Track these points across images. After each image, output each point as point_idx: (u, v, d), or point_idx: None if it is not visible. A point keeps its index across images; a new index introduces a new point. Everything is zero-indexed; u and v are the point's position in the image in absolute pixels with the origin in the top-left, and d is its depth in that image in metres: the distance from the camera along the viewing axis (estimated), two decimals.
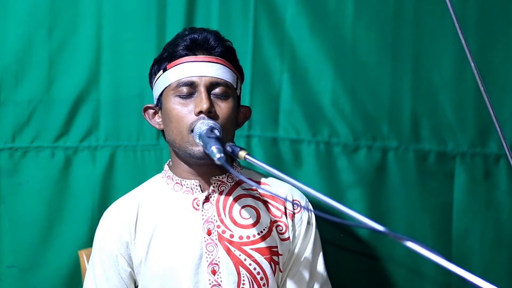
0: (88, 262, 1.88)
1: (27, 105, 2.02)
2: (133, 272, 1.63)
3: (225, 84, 1.58)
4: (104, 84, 2.07)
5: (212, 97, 1.57)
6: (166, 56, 1.61)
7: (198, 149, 1.54)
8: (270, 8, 2.14)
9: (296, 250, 1.65)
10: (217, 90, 1.58)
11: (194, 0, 2.11)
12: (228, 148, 1.43)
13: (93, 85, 2.06)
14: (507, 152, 1.48)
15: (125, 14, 2.07)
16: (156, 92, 1.64)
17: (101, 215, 1.72)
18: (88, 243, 2.02)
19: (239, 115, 1.68)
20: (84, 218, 2.05)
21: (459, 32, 1.41)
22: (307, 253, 1.66)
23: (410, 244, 1.07)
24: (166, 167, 1.69)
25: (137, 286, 1.65)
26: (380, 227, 1.11)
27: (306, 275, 1.66)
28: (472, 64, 1.42)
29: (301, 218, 1.67)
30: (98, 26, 2.05)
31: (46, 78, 2.03)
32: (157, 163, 2.09)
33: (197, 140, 1.52)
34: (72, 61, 2.04)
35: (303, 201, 1.70)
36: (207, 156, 1.48)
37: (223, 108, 1.57)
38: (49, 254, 2.02)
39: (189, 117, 1.55)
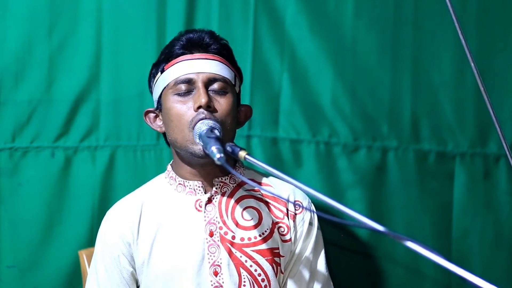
0: (88, 262, 1.88)
1: (27, 105, 2.02)
2: (135, 272, 1.63)
3: (223, 79, 1.59)
4: (104, 84, 2.07)
5: (210, 93, 1.57)
6: (163, 58, 1.62)
7: (198, 147, 1.54)
8: (270, 8, 2.14)
9: (297, 250, 1.65)
10: (215, 86, 1.58)
11: (194, 0, 2.11)
12: (228, 148, 1.44)
13: (93, 85, 2.06)
14: (507, 152, 1.48)
15: (125, 14, 2.07)
16: (156, 94, 1.65)
17: (101, 215, 1.72)
18: (88, 243, 2.02)
19: (240, 114, 1.68)
20: (84, 218, 2.05)
21: (459, 32, 1.41)
22: (308, 253, 1.66)
23: (410, 244, 1.07)
24: (169, 167, 1.69)
25: (139, 287, 1.65)
26: (380, 227, 1.11)
27: (307, 274, 1.66)
28: (472, 64, 1.42)
29: (302, 218, 1.67)
30: (98, 26, 2.05)
31: (46, 78, 2.03)
32: (157, 163, 2.09)
33: (197, 140, 1.52)
34: (72, 61, 2.04)
35: (305, 201, 1.70)
36: (207, 155, 1.48)
37: (222, 103, 1.57)
38: (49, 254, 2.02)
39: (188, 114, 1.55)
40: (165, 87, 1.60)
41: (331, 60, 2.16)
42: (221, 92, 1.58)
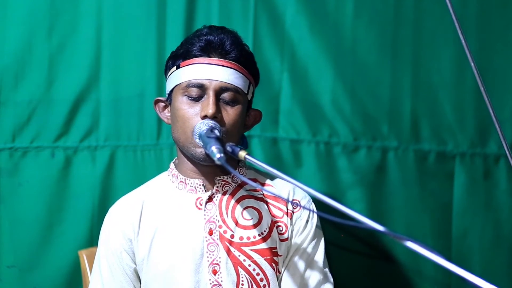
0: (88, 262, 1.88)
1: (27, 105, 2.02)
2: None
3: (234, 89, 1.58)
4: (104, 84, 2.07)
5: (220, 102, 1.57)
6: (181, 53, 1.61)
7: (200, 150, 1.54)
8: (270, 8, 2.14)
9: (292, 245, 1.65)
10: (226, 96, 1.57)
11: (194, 0, 2.11)
12: (228, 148, 1.44)
13: (93, 85, 2.06)
14: (507, 152, 1.48)
15: (125, 14, 2.07)
16: (168, 87, 1.65)
17: (101, 215, 1.73)
18: (88, 243, 2.02)
19: (249, 118, 1.68)
20: (84, 218, 2.05)
21: (459, 32, 1.41)
22: (304, 245, 1.65)
23: (410, 244, 1.07)
24: (172, 165, 1.70)
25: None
26: (380, 227, 1.11)
27: (302, 266, 1.65)
28: (472, 64, 1.42)
29: (300, 216, 1.67)
30: (98, 26, 2.05)
31: (46, 78, 2.03)
32: (157, 163, 2.09)
33: (197, 140, 1.52)
34: (72, 61, 2.04)
35: (305, 200, 1.70)
36: (208, 158, 1.49)
37: (230, 114, 1.57)
38: (49, 254, 2.02)
39: (194, 119, 1.55)
40: (177, 85, 1.60)
41: (331, 60, 2.16)
42: (231, 102, 1.58)
